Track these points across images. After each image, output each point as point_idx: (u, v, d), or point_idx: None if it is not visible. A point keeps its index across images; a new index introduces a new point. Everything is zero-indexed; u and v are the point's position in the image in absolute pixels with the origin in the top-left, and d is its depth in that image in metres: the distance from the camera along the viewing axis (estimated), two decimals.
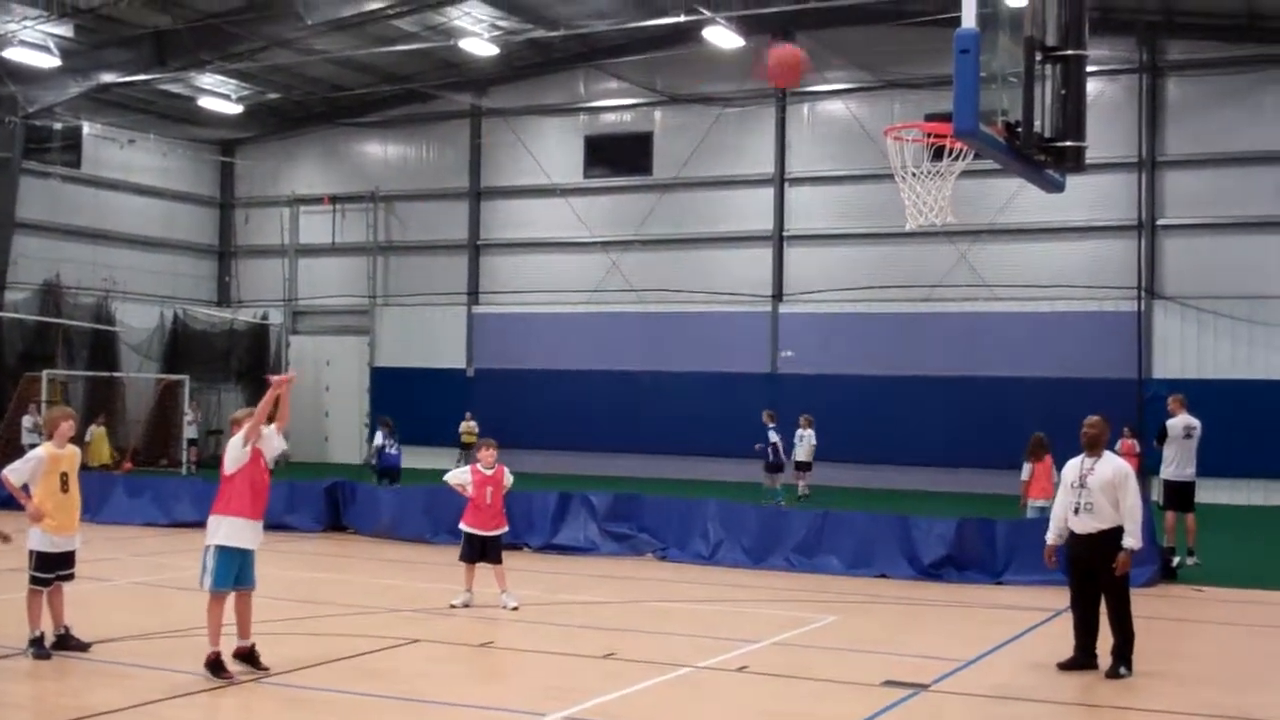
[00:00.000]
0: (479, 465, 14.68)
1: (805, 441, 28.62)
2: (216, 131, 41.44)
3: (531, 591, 16.02)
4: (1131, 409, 30.29)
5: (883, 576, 17.46)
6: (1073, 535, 11.21)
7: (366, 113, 41.17)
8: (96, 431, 34.18)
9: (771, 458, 27.34)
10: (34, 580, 11.01)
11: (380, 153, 41.74)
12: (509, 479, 14.79)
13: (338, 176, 41.89)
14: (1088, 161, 11.74)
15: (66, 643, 11.13)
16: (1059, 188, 12.47)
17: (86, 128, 38.11)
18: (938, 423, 32.69)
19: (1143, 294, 31.85)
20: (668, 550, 19.16)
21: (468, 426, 35.90)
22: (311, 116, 41.31)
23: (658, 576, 17.56)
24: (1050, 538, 11.57)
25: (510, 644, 12.43)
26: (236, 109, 37.96)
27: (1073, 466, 11.33)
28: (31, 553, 11.04)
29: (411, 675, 10.95)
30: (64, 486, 11.08)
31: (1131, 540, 10.97)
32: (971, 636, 13.27)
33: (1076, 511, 11.09)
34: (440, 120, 40.37)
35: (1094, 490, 11.05)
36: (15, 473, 11.08)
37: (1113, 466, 11.16)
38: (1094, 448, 11.25)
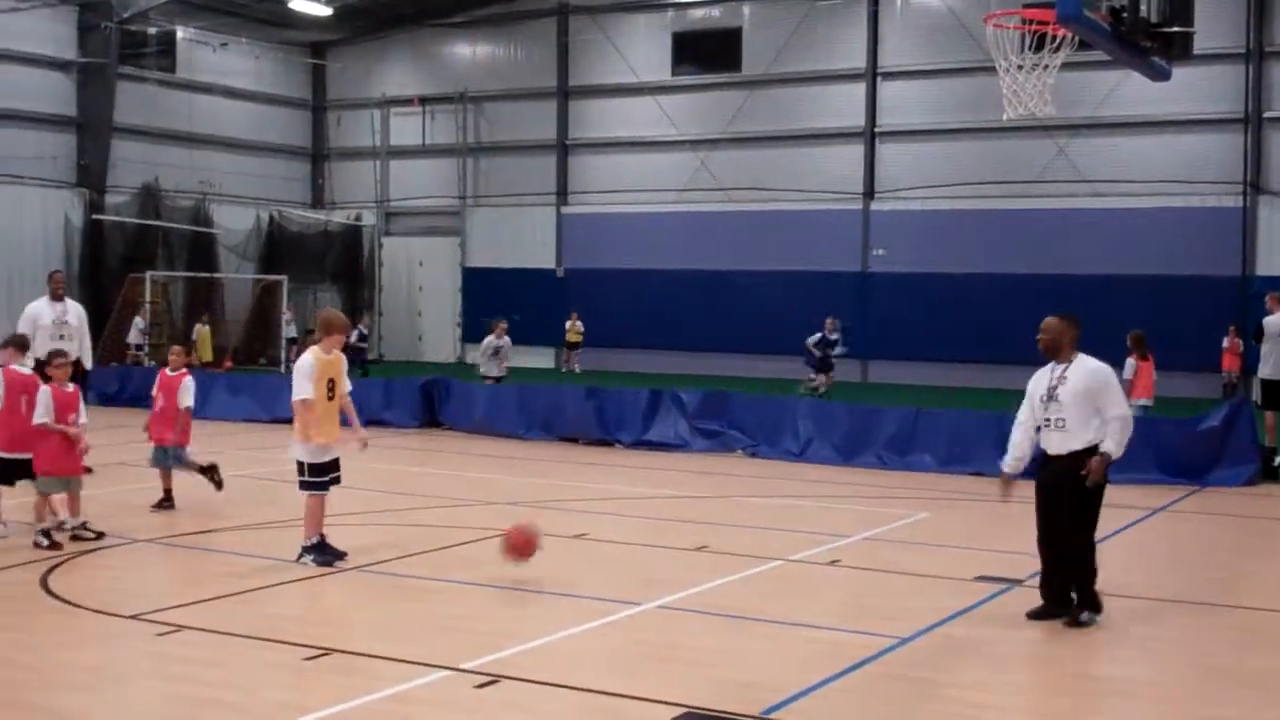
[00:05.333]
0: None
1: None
2: (307, 34, 41.53)
3: (623, 486, 16.21)
4: (1234, 307, 29.70)
5: (977, 474, 17.39)
6: (1043, 455, 9.42)
7: (454, 12, 41.00)
8: (202, 330, 34.71)
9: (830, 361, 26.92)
10: (308, 485, 10.77)
11: (468, 53, 41.64)
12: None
13: (427, 77, 41.89)
14: (1195, 50, 11.46)
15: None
16: (1165, 76, 12.20)
17: (180, 32, 38.37)
18: (1033, 321, 32.07)
19: (1248, 189, 31.04)
20: (758, 447, 19.23)
21: (573, 326, 36.13)
22: (400, 17, 41.21)
23: (748, 473, 17.64)
24: (1009, 464, 9.65)
25: (603, 536, 12.58)
26: (326, 11, 37.95)
27: (1040, 377, 9.57)
28: (300, 463, 10.80)
29: (509, 565, 11.14)
30: (330, 393, 10.75)
31: (1111, 445, 9.08)
32: None
33: (1047, 426, 9.30)
34: (527, 19, 40.13)
35: (1065, 403, 9.22)
36: (304, 390, 10.56)
37: (1087, 370, 9.32)
38: (1057, 353, 9.46)
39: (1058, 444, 9.24)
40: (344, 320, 11.31)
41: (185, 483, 13.17)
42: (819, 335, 26.53)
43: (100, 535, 11.62)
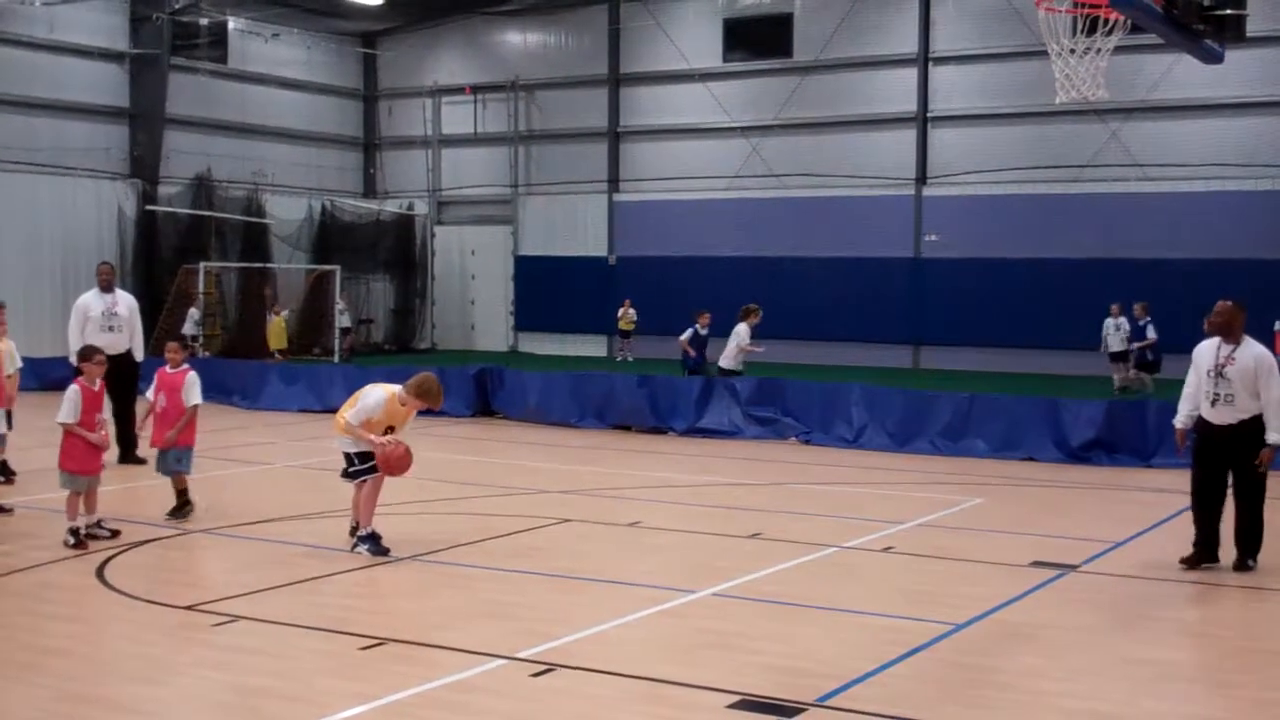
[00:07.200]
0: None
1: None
2: (358, 23, 41.69)
3: (676, 474, 16.23)
4: None
5: (1030, 460, 17.33)
6: (1206, 424, 10.63)
7: (505, 1, 41.05)
8: (276, 320, 34.40)
9: (1150, 356, 25.26)
10: (357, 473, 10.89)
11: (519, 41, 41.67)
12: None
13: (478, 66, 41.96)
14: (1248, 33, 11.31)
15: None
16: (1218, 59, 12.06)
17: (231, 23, 38.62)
18: (1087, 306, 31.93)
19: None
20: (811, 434, 19.20)
21: (625, 314, 35.87)
22: (450, 6, 41.27)
23: (801, 460, 17.63)
24: (1181, 421, 10.92)
25: (658, 524, 12.61)
26: (377, 0, 38.10)
27: (1208, 351, 10.67)
28: (346, 454, 10.95)
29: (563, 553, 11.19)
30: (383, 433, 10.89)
31: (1275, 435, 10.33)
32: (1122, 519, 13.12)
33: (1215, 403, 10.51)
34: (578, 6, 40.10)
35: (1234, 380, 10.43)
36: (358, 418, 10.77)
37: (1253, 355, 10.47)
38: (1228, 334, 10.58)
39: (1225, 416, 10.47)
40: (436, 394, 11.13)
41: (239, 476, 13.24)
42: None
43: (115, 534, 11.39)
